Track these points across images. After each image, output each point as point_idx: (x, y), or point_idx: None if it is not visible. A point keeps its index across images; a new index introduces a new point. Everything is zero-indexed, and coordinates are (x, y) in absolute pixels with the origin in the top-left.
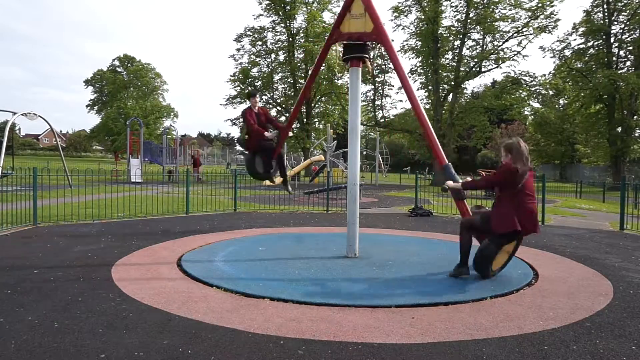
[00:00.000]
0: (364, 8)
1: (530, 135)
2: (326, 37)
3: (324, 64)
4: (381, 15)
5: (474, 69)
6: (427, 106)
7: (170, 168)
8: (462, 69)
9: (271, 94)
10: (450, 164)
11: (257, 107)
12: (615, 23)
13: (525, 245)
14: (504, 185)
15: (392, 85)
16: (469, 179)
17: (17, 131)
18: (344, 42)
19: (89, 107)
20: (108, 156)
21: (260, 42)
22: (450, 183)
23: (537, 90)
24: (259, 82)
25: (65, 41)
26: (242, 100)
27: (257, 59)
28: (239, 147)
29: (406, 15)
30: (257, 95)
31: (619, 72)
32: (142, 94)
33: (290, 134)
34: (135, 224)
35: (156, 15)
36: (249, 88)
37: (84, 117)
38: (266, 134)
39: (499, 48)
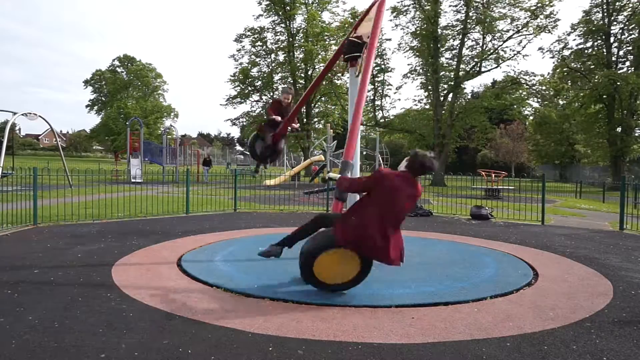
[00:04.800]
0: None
1: (530, 135)
2: (325, 37)
3: (322, 64)
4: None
5: (473, 69)
6: (427, 106)
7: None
8: (462, 67)
9: (271, 94)
10: (352, 163)
11: (285, 102)
12: (615, 23)
13: (525, 245)
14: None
15: (391, 85)
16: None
17: (17, 131)
18: (348, 41)
19: (88, 107)
20: (108, 156)
21: (260, 43)
22: (330, 174)
23: (537, 90)
24: (259, 82)
25: (64, 41)
26: (242, 100)
27: (257, 59)
28: (238, 147)
29: (405, 15)
30: (288, 92)
31: (619, 72)
32: (143, 94)
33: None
34: (135, 224)
35: (156, 15)
36: (249, 88)
37: (84, 117)
38: (274, 116)
39: (499, 48)
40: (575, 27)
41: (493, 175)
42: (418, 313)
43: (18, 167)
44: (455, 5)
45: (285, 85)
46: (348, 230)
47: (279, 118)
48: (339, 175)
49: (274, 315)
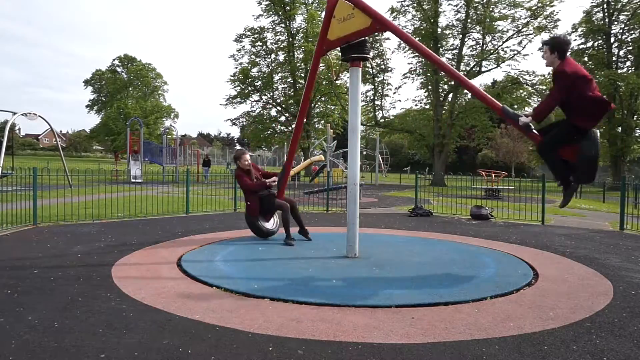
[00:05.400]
0: (353, 7)
1: None
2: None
3: (323, 65)
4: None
5: (474, 69)
6: (427, 106)
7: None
8: (462, 68)
9: (271, 94)
10: (504, 105)
11: (247, 165)
12: (615, 23)
13: (525, 245)
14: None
15: (391, 85)
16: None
17: (17, 131)
18: (342, 45)
19: (88, 107)
20: (108, 156)
21: (260, 43)
22: (523, 119)
23: (538, 90)
24: (259, 82)
25: (64, 41)
26: (242, 100)
27: (257, 59)
28: (238, 147)
29: (404, 15)
30: (247, 153)
31: (619, 72)
32: (143, 94)
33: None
34: (135, 224)
35: (156, 15)
36: (249, 88)
37: (84, 117)
38: (268, 181)
39: (499, 48)
40: (576, 27)
41: (493, 175)
42: (418, 313)
43: (18, 167)
44: (456, 5)
45: (239, 149)
46: (590, 113)
47: (269, 181)
48: (528, 113)
49: (274, 315)
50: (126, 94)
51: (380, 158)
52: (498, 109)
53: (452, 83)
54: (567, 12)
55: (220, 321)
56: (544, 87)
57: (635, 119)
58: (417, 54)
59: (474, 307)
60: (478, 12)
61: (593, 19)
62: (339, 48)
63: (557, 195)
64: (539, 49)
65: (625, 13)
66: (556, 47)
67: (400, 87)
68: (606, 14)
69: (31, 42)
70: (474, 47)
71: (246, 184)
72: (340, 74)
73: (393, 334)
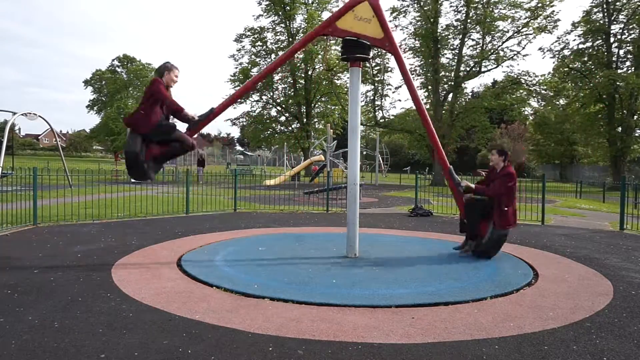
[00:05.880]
0: (372, 14)
1: (530, 135)
2: (325, 37)
3: (323, 63)
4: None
5: (474, 69)
6: (427, 106)
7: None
8: (462, 69)
9: (271, 94)
10: (451, 167)
11: (175, 82)
12: (615, 23)
13: (525, 245)
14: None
15: (391, 85)
16: (467, 184)
17: (17, 131)
18: (347, 38)
19: (88, 107)
20: (108, 156)
21: (260, 43)
22: (465, 185)
23: (537, 90)
24: (259, 82)
25: (64, 41)
26: (242, 100)
27: (257, 59)
28: (238, 147)
29: (404, 16)
30: (177, 69)
31: (619, 72)
32: (143, 94)
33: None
34: (135, 224)
35: (156, 15)
36: None
37: (83, 117)
38: (189, 112)
39: (499, 48)
40: (577, 26)
41: None
42: (418, 313)
43: (18, 167)
44: (456, 6)
45: (169, 62)
46: (509, 219)
47: (191, 113)
48: (473, 186)
49: (274, 315)
50: (126, 94)
51: (380, 158)
52: (446, 169)
53: (452, 83)
54: (567, 12)
55: (220, 321)
56: (544, 87)
57: (635, 119)
58: (416, 54)
59: (474, 307)
60: (478, 12)
61: (593, 18)
62: (338, 47)
63: (558, 195)
64: (490, 150)
65: (625, 13)
66: (503, 154)
67: (400, 87)
68: (606, 13)
69: (31, 42)
70: (474, 47)
71: (164, 94)
72: (330, 66)
73: (393, 334)
